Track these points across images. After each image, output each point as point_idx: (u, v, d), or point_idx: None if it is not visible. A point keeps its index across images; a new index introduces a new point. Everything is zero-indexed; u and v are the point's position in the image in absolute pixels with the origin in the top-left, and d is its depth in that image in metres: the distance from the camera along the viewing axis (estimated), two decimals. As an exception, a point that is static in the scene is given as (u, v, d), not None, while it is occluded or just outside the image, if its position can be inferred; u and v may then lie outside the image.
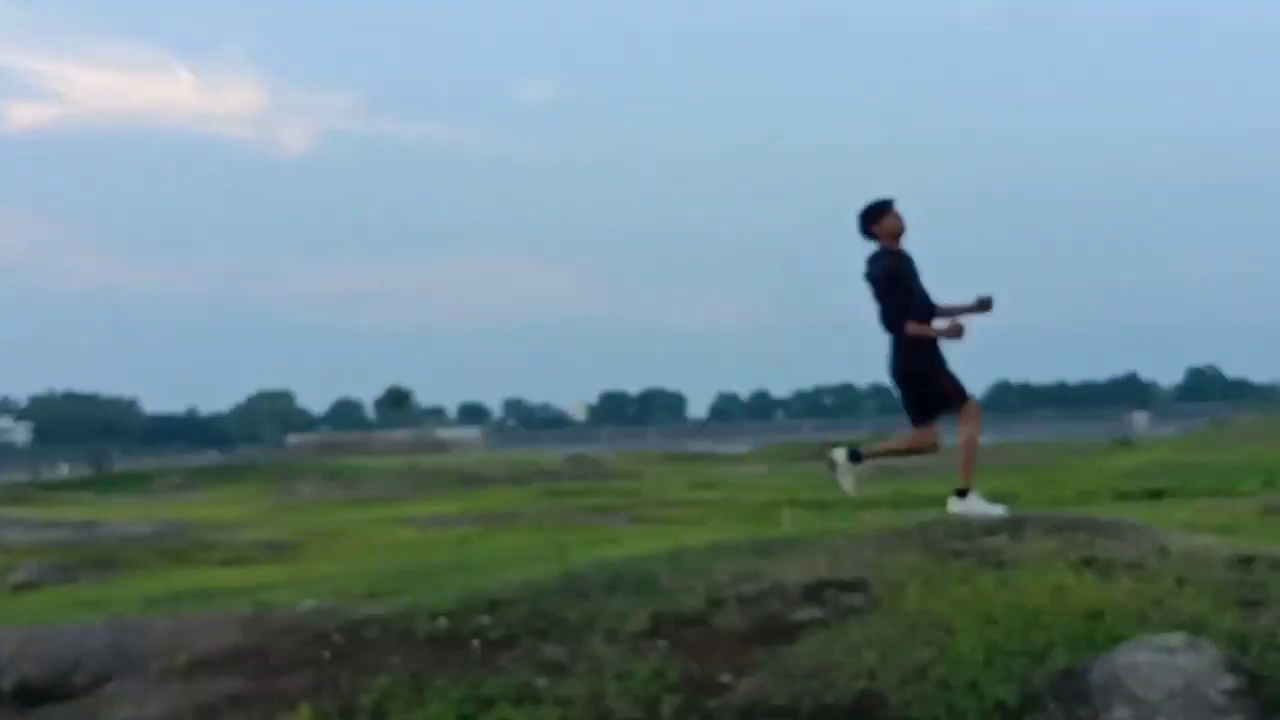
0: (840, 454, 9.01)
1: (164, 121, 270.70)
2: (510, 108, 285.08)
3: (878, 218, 8.89)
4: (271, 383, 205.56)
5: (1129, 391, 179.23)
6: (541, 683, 5.99)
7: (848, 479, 8.94)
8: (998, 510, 8.60)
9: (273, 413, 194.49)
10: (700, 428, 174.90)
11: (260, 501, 36.71)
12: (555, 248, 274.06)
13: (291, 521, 26.12)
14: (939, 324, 8.72)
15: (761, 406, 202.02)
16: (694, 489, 34.94)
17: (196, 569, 16.18)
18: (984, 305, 8.77)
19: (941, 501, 8.95)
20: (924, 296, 8.81)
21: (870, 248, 8.95)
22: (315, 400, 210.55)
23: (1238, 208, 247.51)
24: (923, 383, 8.82)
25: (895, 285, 8.74)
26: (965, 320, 8.69)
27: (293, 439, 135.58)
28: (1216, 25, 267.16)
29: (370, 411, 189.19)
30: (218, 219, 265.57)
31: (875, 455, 9.21)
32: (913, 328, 8.66)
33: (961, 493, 8.73)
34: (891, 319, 8.77)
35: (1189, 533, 8.65)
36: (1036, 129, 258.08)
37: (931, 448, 9.03)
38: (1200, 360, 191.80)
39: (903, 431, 9.14)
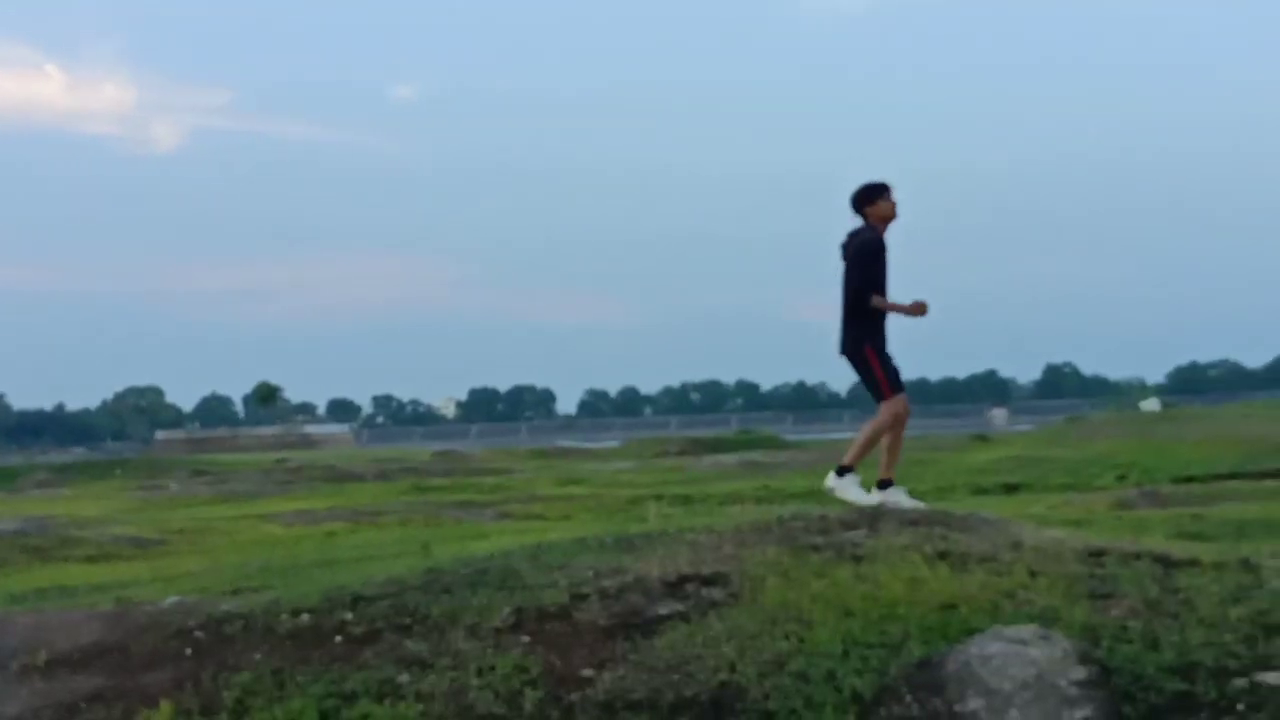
0: (833, 479, 8.94)
1: (33, 119, 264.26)
2: (380, 107, 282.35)
3: (873, 199, 8.96)
4: (140, 379, 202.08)
5: (988, 388, 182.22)
6: (404, 678, 5.98)
7: (855, 492, 8.90)
8: (869, 499, 8.71)
9: (141, 409, 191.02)
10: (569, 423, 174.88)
11: (127, 498, 35.97)
12: (425, 246, 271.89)
13: (158, 518, 25.64)
14: (903, 301, 8.83)
15: (630, 403, 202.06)
16: (562, 485, 34.90)
17: (61, 565, 15.83)
18: (920, 308, 8.90)
19: (802, 496, 9.07)
20: (882, 285, 8.90)
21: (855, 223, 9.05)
22: (184, 396, 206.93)
23: (1096, 211, 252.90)
24: (860, 363, 8.90)
25: (867, 261, 8.81)
26: (903, 314, 8.84)
27: (161, 435, 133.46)
28: (1084, 30, 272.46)
29: (240, 407, 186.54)
30: (87, 216, 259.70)
31: (860, 453, 9.15)
32: (876, 300, 8.76)
33: (842, 470, 8.82)
34: (852, 293, 8.84)
35: (1042, 526, 8.85)
36: (898, 126, 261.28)
37: (905, 413, 9.08)
38: (1058, 358, 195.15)
39: (878, 423, 9.09)
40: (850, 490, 8.77)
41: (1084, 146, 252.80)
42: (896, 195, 9.03)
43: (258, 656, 6.43)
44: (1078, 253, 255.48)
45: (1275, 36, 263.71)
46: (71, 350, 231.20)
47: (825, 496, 9.29)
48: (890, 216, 8.99)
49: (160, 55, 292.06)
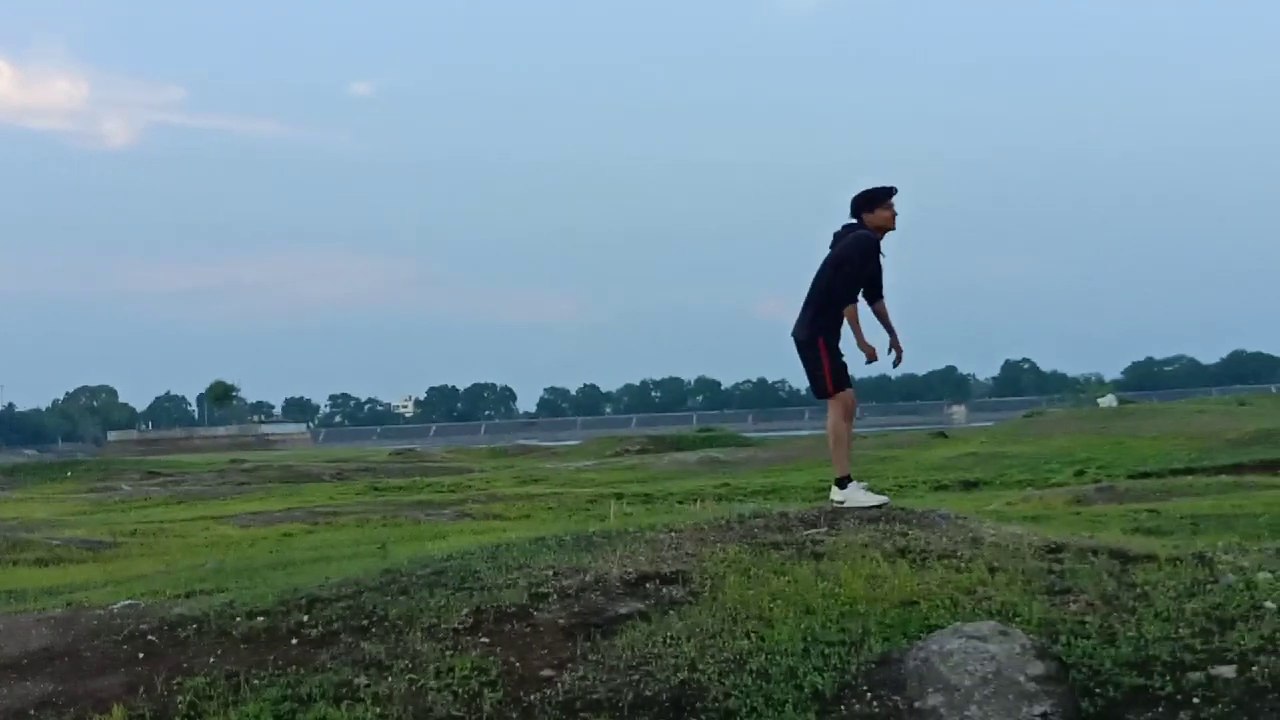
0: (839, 492, 8.86)
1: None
2: (338, 104, 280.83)
3: (872, 205, 8.78)
4: (92, 378, 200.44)
5: (948, 384, 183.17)
6: (361, 680, 5.92)
7: (863, 496, 8.81)
8: (877, 499, 8.67)
9: (93, 409, 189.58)
10: (530, 421, 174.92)
11: (79, 500, 35.70)
12: (382, 243, 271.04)
13: (110, 520, 25.47)
14: (867, 336, 8.74)
15: (590, 401, 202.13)
16: (521, 484, 34.86)
17: (10, 569, 15.65)
18: (896, 348, 8.86)
19: (763, 493, 9.03)
20: (877, 280, 8.83)
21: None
22: (137, 396, 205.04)
23: (1054, 209, 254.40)
24: (809, 353, 8.84)
25: (857, 260, 8.70)
26: (879, 348, 8.75)
27: (113, 435, 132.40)
28: (1043, 29, 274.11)
29: (194, 407, 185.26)
30: (37, 212, 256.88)
31: (843, 457, 8.95)
32: (850, 312, 8.67)
33: (842, 482, 8.77)
34: (824, 288, 8.75)
35: (1001, 522, 8.87)
36: (858, 123, 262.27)
37: (852, 405, 9.00)
38: (1016, 354, 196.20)
39: (834, 422, 9.00)
40: (859, 496, 8.69)
41: (1042, 144, 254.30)
42: (898, 205, 8.84)
43: (212, 660, 6.36)
44: (1036, 250, 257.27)
45: (1233, 36, 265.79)
46: (21, 349, 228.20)
47: (785, 494, 9.27)
48: (887, 227, 8.77)
49: (113, 51, 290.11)
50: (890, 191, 8.85)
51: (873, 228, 8.81)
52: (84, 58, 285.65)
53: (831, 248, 8.91)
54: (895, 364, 8.94)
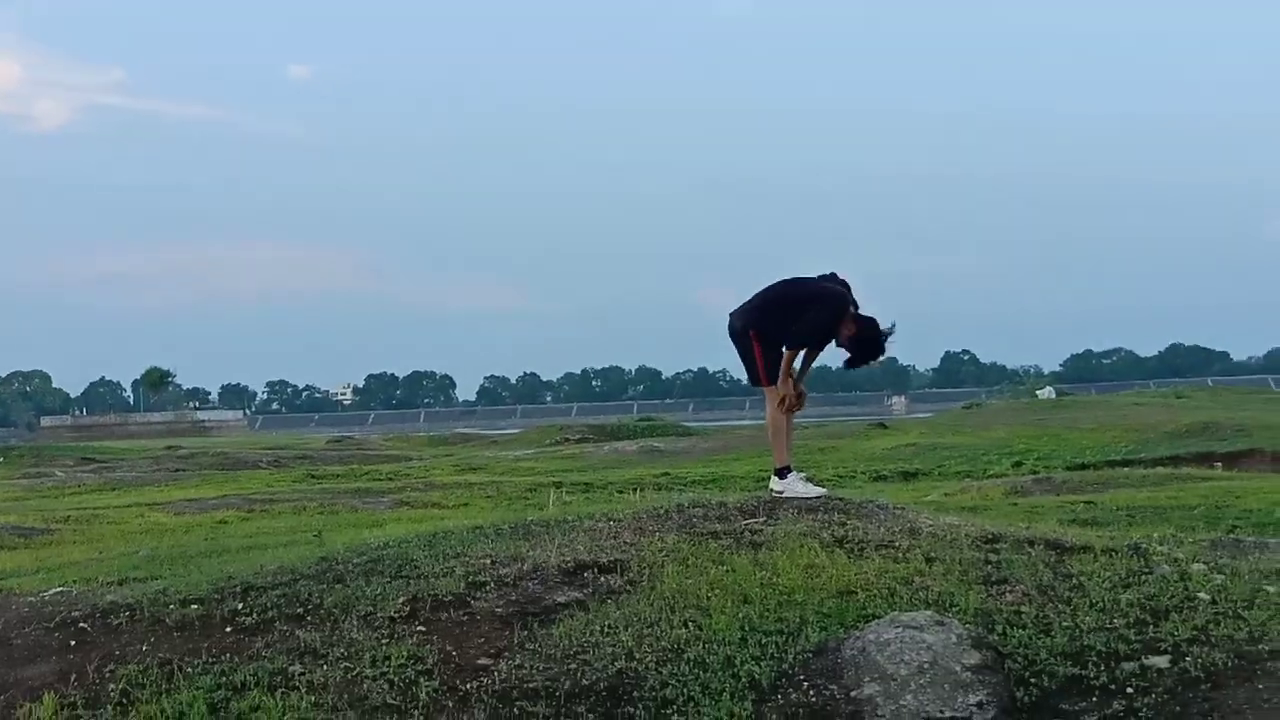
0: (778, 482, 8.84)
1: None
2: (277, 88, 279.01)
3: (863, 326, 8.73)
4: (25, 363, 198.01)
5: (888, 375, 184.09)
6: (296, 668, 5.88)
7: (801, 486, 8.79)
8: (816, 491, 8.70)
9: (26, 393, 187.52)
10: (469, 409, 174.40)
11: (10, 486, 35.21)
12: (321, 229, 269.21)
13: (43, 506, 25.12)
14: (797, 379, 8.80)
15: (530, 389, 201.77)
16: (460, 472, 34.66)
17: (-63, 557, 15.44)
18: (789, 399, 8.87)
19: (703, 483, 9.03)
20: (813, 344, 8.87)
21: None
22: (71, 381, 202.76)
23: (994, 202, 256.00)
24: (741, 342, 8.85)
25: (828, 314, 8.69)
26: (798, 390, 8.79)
27: (47, 421, 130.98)
28: (967, 26, 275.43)
29: (129, 393, 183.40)
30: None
31: (782, 448, 8.97)
32: (791, 351, 8.71)
33: (781, 472, 8.78)
34: (781, 308, 8.75)
35: (939, 513, 8.90)
36: (797, 123, 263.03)
37: (797, 399, 8.99)
38: (956, 345, 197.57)
39: (771, 413, 9.01)
40: (797, 486, 8.72)
41: (985, 138, 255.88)
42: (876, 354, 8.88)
43: (145, 648, 6.29)
44: (976, 242, 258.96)
45: (1175, 29, 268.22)
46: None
47: (725, 484, 9.28)
48: (840, 334, 8.72)
49: (47, 30, 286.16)
50: (881, 346, 8.83)
51: (843, 326, 8.74)
52: (16, 37, 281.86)
53: (816, 279, 8.91)
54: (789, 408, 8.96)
